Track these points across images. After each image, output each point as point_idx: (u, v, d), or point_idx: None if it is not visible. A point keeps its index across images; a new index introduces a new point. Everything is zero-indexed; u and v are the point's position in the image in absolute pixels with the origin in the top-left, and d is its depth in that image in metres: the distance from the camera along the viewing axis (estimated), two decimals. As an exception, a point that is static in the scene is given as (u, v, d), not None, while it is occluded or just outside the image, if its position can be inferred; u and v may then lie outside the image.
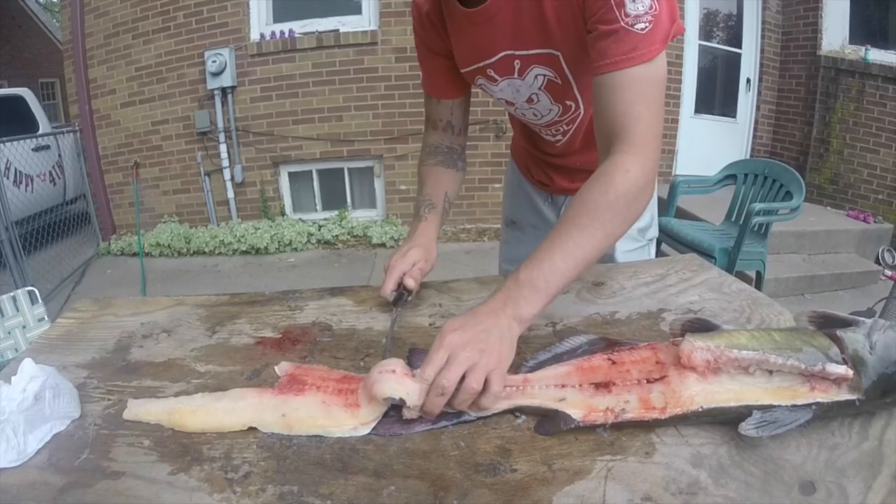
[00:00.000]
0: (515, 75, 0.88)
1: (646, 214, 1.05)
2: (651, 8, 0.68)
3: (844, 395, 0.51)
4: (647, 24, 0.68)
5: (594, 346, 0.63)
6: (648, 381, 0.56)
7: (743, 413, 0.51)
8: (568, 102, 0.91)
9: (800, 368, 0.52)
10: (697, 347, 0.55)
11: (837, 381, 0.51)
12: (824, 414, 0.52)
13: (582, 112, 0.93)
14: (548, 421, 0.55)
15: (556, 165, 1.10)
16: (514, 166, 1.25)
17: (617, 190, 0.65)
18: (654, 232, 1.11)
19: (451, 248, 3.92)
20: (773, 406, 0.52)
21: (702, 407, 0.53)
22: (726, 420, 0.53)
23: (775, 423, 0.51)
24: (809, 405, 0.51)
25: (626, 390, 0.56)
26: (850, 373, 0.51)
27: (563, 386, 0.58)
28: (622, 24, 0.69)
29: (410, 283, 0.82)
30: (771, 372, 0.54)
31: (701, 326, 0.61)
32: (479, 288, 0.88)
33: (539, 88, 0.89)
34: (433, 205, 0.95)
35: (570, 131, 0.98)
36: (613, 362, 0.59)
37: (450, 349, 0.55)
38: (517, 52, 0.84)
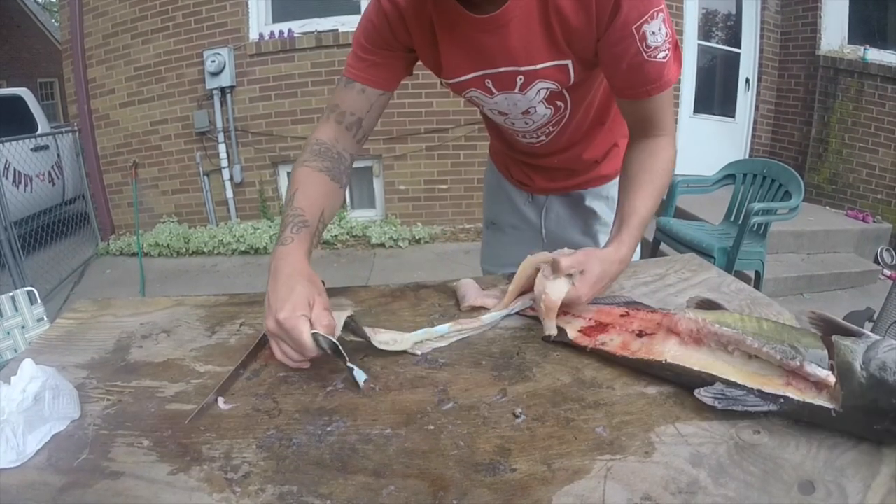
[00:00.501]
0: (516, 90, 0.85)
1: None
2: (667, 35, 0.74)
3: (820, 401, 0.49)
4: (666, 52, 0.75)
5: (627, 303, 0.74)
6: (639, 335, 0.64)
7: (706, 380, 0.54)
8: (559, 103, 0.90)
9: (775, 358, 0.52)
10: (685, 317, 0.61)
11: (818, 385, 0.50)
12: (795, 413, 0.51)
13: (569, 112, 0.92)
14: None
15: (535, 166, 1.10)
16: (494, 167, 1.24)
17: (665, 158, 0.83)
18: None
19: (450, 248, 3.89)
20: (739, 385, 0.52)
21: (665, 360, 0.58)
22: (689, 384, 0.55)
23: (734, 400, 0.51)
24: (778, 397, 0.50)
25: (618, 333, 0.66)
26: (832, 380, 0.49)
27: (579, 316, 0.71)
28: (645, 57, 0.75)
29: (323, 325, 0.62)
30: (750, 357, 0.54)
31: (709, 307, 0.66)
32: (478, 288, 0.88)
33: (540, 101, 0.87)
34: (305, 222, 0.75)
35: (555, 133, 0.97)
36: (626, 315, 0.69)
37: (595, 284, 0.71)
38: (521, 69, 0.81)
